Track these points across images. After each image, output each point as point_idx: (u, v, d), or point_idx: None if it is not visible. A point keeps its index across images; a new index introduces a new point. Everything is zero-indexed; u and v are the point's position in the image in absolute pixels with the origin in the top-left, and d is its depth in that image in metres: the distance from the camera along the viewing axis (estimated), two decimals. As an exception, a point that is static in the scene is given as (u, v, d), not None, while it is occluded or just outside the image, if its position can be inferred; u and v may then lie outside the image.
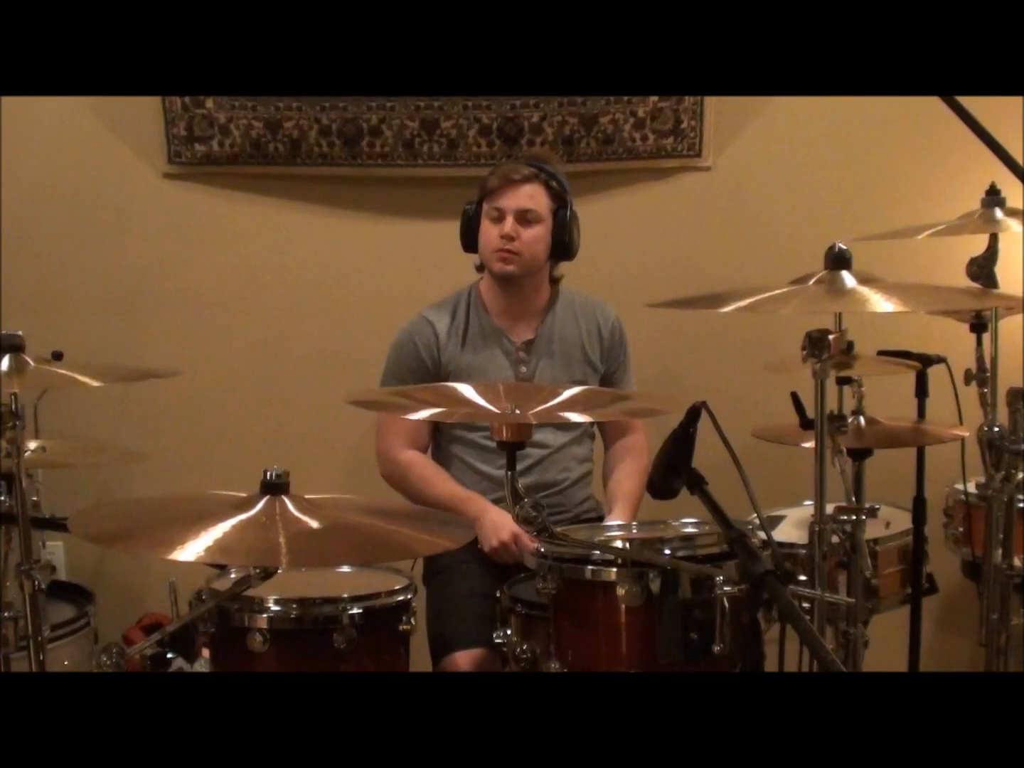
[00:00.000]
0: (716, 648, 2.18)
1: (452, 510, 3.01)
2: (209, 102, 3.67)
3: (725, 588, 2.15)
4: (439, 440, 3.22)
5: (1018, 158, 1.96)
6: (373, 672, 2.40)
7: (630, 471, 3.19)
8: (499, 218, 3.07)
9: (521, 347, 3.17)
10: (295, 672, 2.36)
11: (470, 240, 3.16)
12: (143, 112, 3.70)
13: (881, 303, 2.21)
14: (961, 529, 3.43)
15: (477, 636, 2.76)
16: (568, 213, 3.11)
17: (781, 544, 2.91)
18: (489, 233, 3.10)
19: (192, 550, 1.90)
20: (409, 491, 3.14)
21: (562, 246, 3.12)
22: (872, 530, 2.90)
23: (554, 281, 3.24)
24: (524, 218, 3.07)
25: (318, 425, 3.83)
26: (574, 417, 2.26)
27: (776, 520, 3.14)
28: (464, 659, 2.78)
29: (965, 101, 1.88)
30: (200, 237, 3.84)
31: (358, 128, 3.69)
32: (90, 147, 3.76)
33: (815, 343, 2.20)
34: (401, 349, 3.18)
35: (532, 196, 3.07)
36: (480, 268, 3.21)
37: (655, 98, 3.67)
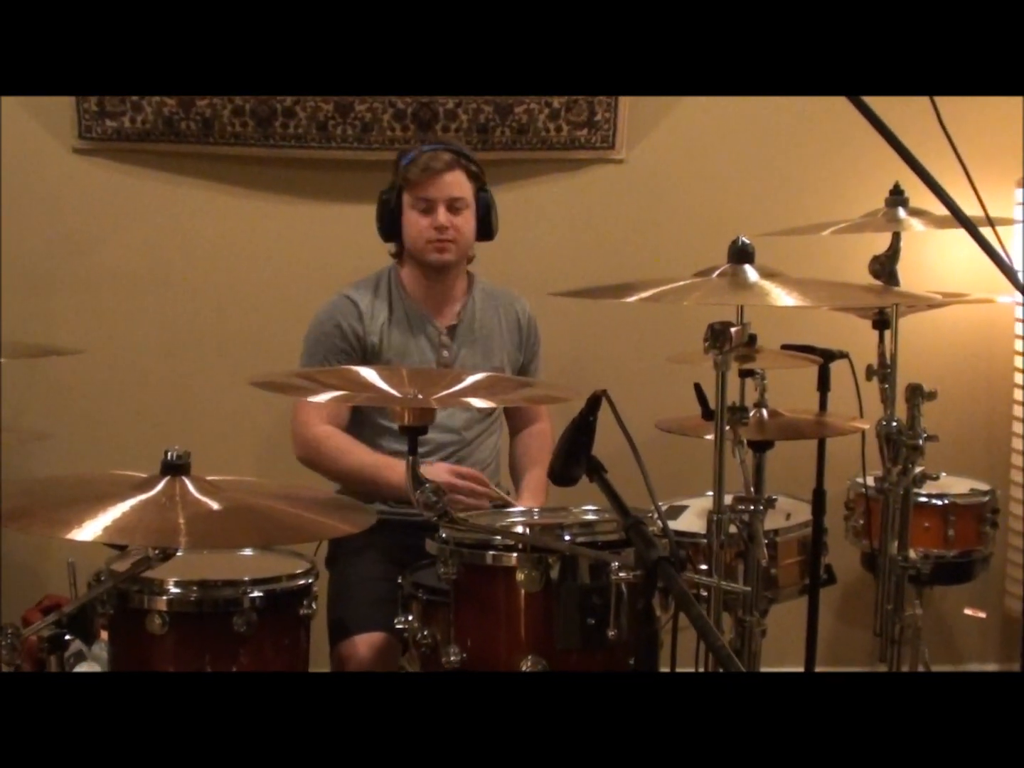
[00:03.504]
0: (611, 634, 2.20)
1: (374, 477, 2.99)
2: (121, 78, 3.63)
3: (621, 574, 2.17)
4: (361, 424, 3.17)
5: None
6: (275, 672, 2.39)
7: (536, 459, 3.21)
8: (429, 209, 3.06)
9: (445, 332, 3.18)
10: (196, 665, 2.35)
11: (392, 230, 3.14)
12: (53, 86, 3.65)
13: (782, 297, 2.24)
14: (861, 521, 3.50)
15: (376, 620, 2.76)
16: (488, 194, 3.14)
17: (683, 533, 2.95)
18: (419, 224, 3.08)
19: (90, 530, 1.90)
20: (326, 465, 3.10)
21: (487, 227, 3.15)
22: (772, 521, 2.94)
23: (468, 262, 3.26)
24: (454, 206, 3.07)
25: (226, 407, 3.80)
26: (476, 403, 2.26)
27: (679, 509, 3.17)
28: (362, 643, 2.78)
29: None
30: (110, 214, 3.80)
31: (271, 109, 3.67)
32: (-3, 120, 3.70)
33: (717, 335, 2.23)
34: (322, 329, 3.13)
35: (458, 183, 3.08)
36: (396, 255, 3.20)
37: (570, 88, 3.69)
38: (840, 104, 2.03)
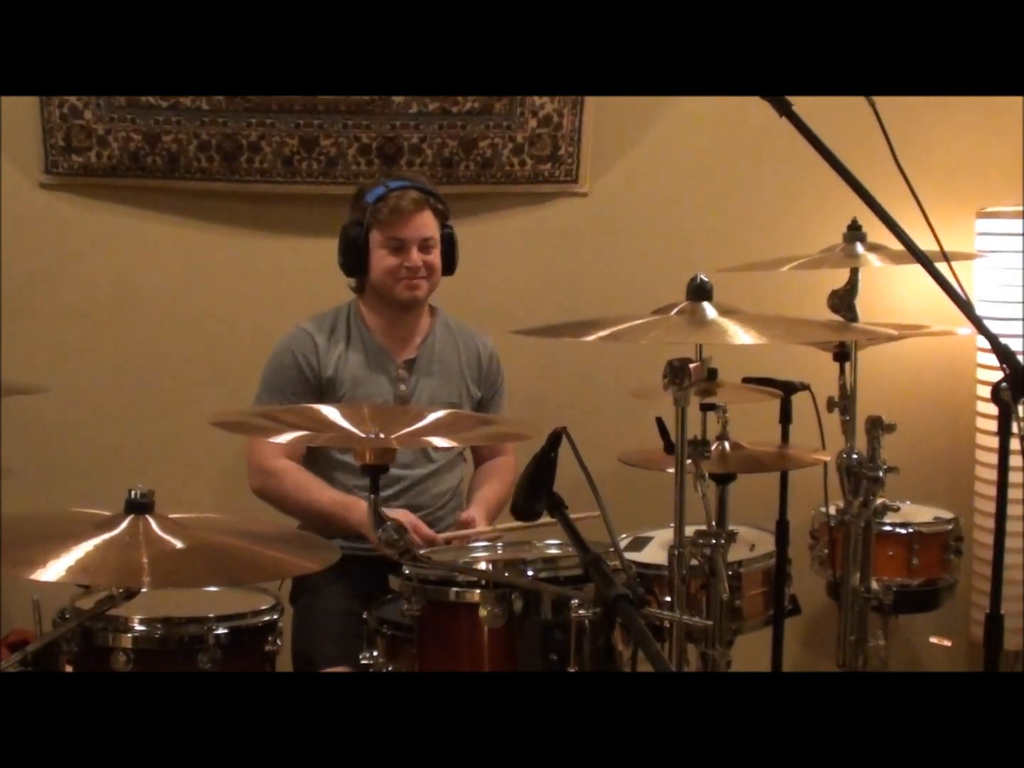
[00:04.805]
0: (572, 670, 2.21)
1: (334, 516, 3.01)
2: (88, 113, 3.63)
3: (580, 611, 2.19)
4: (315, 457, 3.21)
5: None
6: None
7: (493, 487, 3.23)
8: (401, 248, 3.09)
9: (402, 365, 3.19)
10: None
11: (356, 265, 3.15)
12: (21, 121, 3.64)
13: (740, 335, 2.27)
14: (826, 551, 3.50)
15: (341, 654, 2.77)
16: (451, 229, 3.18)
17: (648, 565, 2.97)
18: (387, 262, 3.10)
19: (54, 570, 1.90)
20: (285, 500, 3.12)
21: (450, 262, 3.19)
22: (737, 552, 2.96)
23: None
24: (425, 246, 3.11)
25: (191, 443, 3.79)
26: (438, 442, 2.28)
27: (644, 540, 3.19)
28: (328, 678, 2.78)
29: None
30: (75, 249, 3.79)
31: (237, 144, 3.68)
32: (-37, 154, 3.70)
33: (676, 372, 2.26)
34: (280, 361, 3.16)
35: (428, 224, 3.12)
36: (357, 290, 3.22)
37: (534, 123, 3.72)
38: (799, 141, 2.09)
